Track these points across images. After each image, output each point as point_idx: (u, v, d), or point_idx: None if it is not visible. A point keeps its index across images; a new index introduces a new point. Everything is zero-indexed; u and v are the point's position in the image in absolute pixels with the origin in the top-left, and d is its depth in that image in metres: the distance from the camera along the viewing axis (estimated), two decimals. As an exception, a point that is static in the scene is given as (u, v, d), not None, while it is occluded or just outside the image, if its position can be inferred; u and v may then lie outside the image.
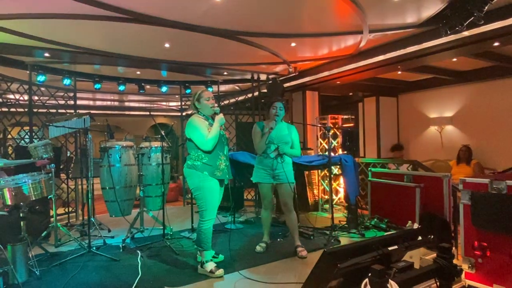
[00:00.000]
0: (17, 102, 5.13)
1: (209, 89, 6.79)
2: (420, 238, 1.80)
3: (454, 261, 1.66)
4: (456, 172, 5.80)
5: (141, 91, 6.50)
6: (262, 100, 6.61)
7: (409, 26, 4.11)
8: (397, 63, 5.07)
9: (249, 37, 4.33)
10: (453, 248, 3.21)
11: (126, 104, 9.84)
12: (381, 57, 4.91)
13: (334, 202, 5.54)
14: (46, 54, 4.65)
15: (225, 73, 6.23)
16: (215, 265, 3.01)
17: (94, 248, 3.57)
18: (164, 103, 9.95)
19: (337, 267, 1.39)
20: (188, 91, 6.78)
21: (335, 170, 5.47)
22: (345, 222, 4.43)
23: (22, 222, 3.17)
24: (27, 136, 5.07)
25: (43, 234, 3.83)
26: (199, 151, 2.98)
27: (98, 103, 9.42)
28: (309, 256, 3.36)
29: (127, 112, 10.36)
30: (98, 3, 3.21)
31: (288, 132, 3.50)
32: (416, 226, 3.27)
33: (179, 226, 4.73)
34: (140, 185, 4.24)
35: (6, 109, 5.10)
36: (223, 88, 7.42)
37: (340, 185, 5.61)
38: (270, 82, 6.36)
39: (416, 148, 7.85)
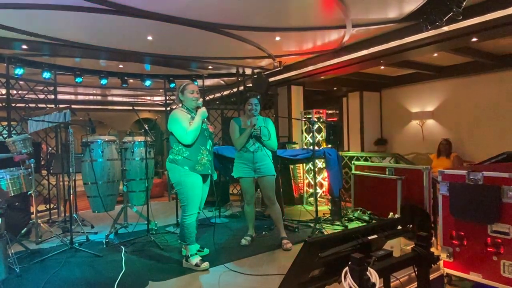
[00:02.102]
0: (-6, 96, 4.98)
1: (194, 83, 6.73)
2: (399, 227, 1.85)
3: (434, 251, 1.71)
4: (436, 165, 5.94)
5: (124, 85, 6.40)
6: (247, 95, 6.60)
7: (391, 21, 4.17)
8: (379, 57, 5.15)
9: (233, 30, 4.31)
10: (433, 238, 3.30)
11: (109, 98, 9.64)
12: (364, 52, 4.97)
13: (319, 195, 5.61)
14: (24, 46, 4.50)
15: (210, 67, 6.18)
16: (200, 258, 3.01)
17: (76, 244, 3.51)
18: (148, 98, 9.80)
19: (318, 256, 1.41)
20: (172, 85, 6.70)
21: (320, 163, 5.54)
22: (329, 215, 4.50)
23: (0, 219, 3.09)
24: (5, 131, 4.92)
25: (23, 231, 3.74)
26: (180, 145, 2.93)
27: (80, 97, 9.19)
28: (294, 248, 3.39)
29: (110, 107, 10.15)
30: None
31: (264, 126, 3.51)
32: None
33: (164, 221, 4.70)
34: (123, 180, 4.19)
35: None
36: (208, 82, 7.36)
37: (324, 178, 5.68)
38: (255, 76, 6.34)
39: (398, 141, 8.01)
